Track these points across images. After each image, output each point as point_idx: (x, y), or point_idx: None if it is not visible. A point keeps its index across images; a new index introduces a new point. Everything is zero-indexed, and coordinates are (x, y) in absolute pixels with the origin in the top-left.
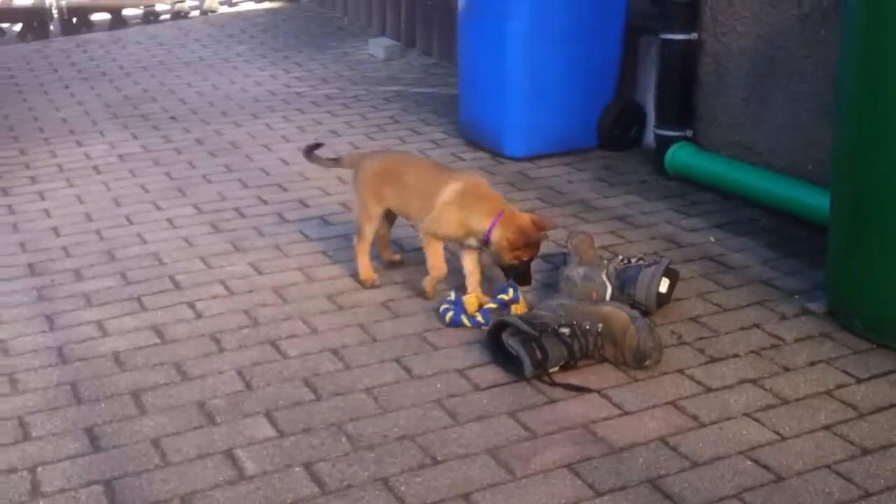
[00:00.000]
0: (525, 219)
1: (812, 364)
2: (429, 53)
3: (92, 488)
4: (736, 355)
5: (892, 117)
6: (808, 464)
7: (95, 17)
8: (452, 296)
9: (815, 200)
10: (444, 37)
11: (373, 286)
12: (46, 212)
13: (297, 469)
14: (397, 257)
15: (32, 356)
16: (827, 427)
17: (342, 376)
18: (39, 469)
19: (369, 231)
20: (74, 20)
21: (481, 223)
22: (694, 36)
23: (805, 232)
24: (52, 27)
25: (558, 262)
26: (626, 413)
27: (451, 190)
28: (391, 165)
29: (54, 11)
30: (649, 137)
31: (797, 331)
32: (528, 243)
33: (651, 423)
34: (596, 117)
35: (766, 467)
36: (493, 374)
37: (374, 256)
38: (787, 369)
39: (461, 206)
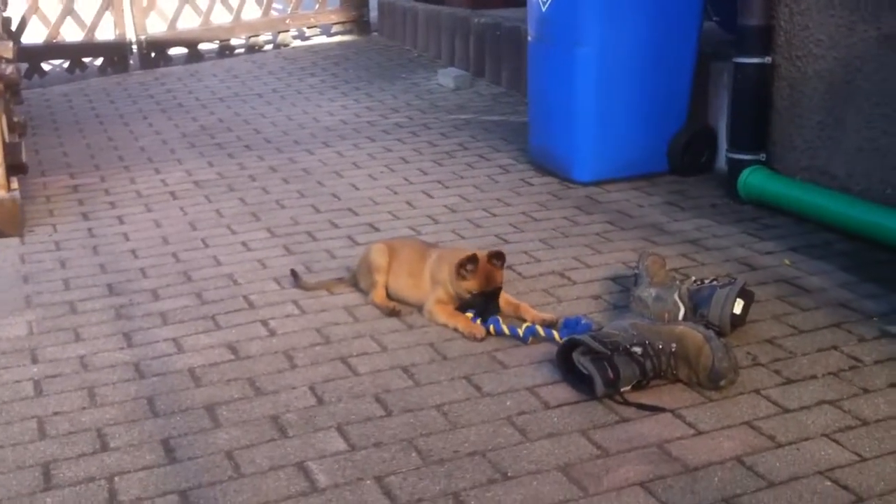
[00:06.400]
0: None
1: (892, 386)
2: (497, 83)
3: (167, 498)
4: (813, 376)
5: None
6: (889, 485)
7: (173, 51)
8: None
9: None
10: (513, 66)
11: (394, 314)
12: (125, 235)
13: (368, 482)
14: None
15: (111, 371)
16: None
17: (412, 393)
18: (117, 479)
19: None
20: (153, 54)
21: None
22: (768, 60)
23: (884, 256)
24: (131, 61)
25: (629, 283)
26: (700, 433)
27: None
28: (392, 244)
29: (134, 46)
30: (721, 162)
31: (876, 353)
32: (465, 265)
33: (726, 443)
34: (666, 142)
35: (845, 488)
36: (563, 392)
37: None
38: (866, 391)
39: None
